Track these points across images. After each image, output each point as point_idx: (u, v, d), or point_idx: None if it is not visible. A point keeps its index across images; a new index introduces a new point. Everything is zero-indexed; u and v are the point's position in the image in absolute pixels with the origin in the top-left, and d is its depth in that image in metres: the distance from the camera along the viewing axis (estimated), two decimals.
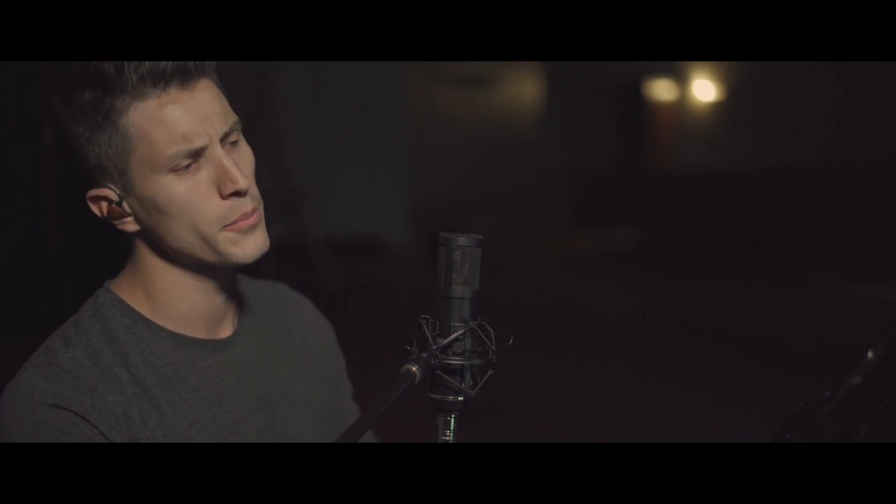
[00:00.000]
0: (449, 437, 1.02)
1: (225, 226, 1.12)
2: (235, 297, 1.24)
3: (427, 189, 10.56)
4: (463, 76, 11.13)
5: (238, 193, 1.11)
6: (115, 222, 1.15)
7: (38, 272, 6.23)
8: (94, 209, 1.16)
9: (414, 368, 0.98)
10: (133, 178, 1.11)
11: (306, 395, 1.31)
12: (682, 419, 5.00)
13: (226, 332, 1.23)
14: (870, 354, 1.07)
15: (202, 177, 1.11)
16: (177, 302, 1.17)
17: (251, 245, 1.14)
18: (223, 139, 1.12)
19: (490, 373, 1.02)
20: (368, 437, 1.36)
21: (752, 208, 10.73)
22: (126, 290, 1.18)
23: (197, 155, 1.10)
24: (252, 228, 1.13)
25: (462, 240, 1.02)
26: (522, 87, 12.79)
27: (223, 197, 1.11)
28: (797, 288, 9.34)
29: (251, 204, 1.13)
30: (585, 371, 6.09)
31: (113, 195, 1.13)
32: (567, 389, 5.65)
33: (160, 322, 1.17)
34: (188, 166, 1.10)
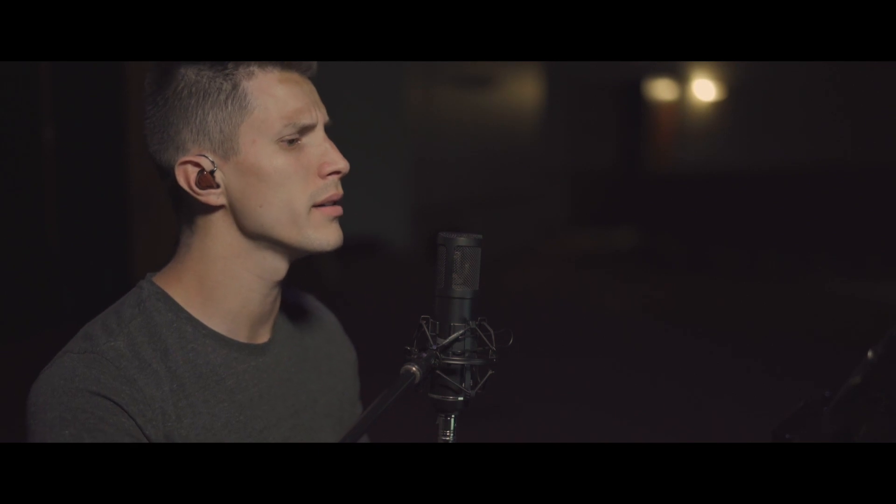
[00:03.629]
0: (449, 437, 1.02)
1: (315, 204, 1.15)
2: (279, 300, 1.24)
3: (427, 189, 10.57)
4: (463, 76, 11.13)
5: (337, 173, 1.16)
6: (200, 193, 1.14)
7: (38, 272, 6.23)
8: (181, 178, 1.14)
9: (414, 368, 0.98)
10: (240, 144, 1.13)
11: (329, 408, 1.32)
12: (682, 419, 5.00)
13: (264, 337, 1.23)
14: (870, 354, 1.07)
15: (304, 154, 1.15)
16: (229, 295, 1.17)
17: (333, 234, 1.17)
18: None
19: (490, 373, 1.02)
20: (363, 439, 1.37)
21: (751, 208, 10.73)
22: (173, 283, 1.18)
23: (304, 132, 1.15)
24: (337, 219, 1.17)
25: (462, 240, 1.02)
26: (522, 87, 12.79)
27: (322, 176, 1.15)
28: (797, 288, 9.35)
29: (342, 191, 1.17)
30: (585, 371, 6.09)
31: (206, 163, 1.13)
32: (567, 389, 5.65)
33: (205, 319, 1.17)
34: (293, 141, 1.14)
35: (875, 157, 11.28)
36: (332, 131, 1.19)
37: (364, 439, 1.36)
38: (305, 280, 1.40)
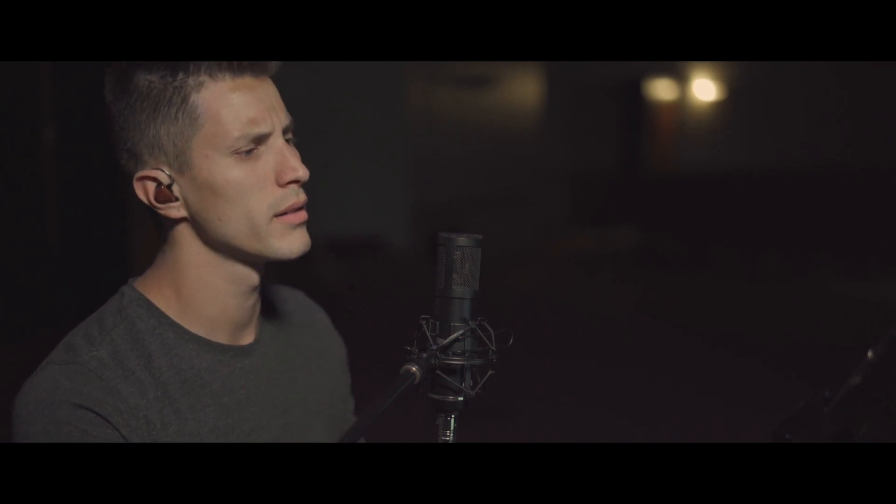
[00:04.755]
0: (449, 437, 1.02)
1: (276, 214, 1.12)
2: (259, 304, 1.23)
3: (427, 189, 10.56)
4: (463, 76, 11.13)
5: (296, 182, 1.12)
6: (160, 207, 1.12)
7: (38, 272, 6.23)
8: (140, 192, 1.13)
9: (414, 368, 0.98)
10: (193, 158, 1.10)
11: (319, 405, 1.31)
12: (682, 419, 5.00)
13: (248, 338, 1.22)
14: (870, 354, 1.07)
15: (261, 164, 1.11)
16: (207, 303, 1.16)
17: (297, 241, 1.14)
18: (283, 132, 1.14)
19: (490, 373, 1.02)
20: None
21: (751, 208, 10.74)
22: (154, 289, 1.17)
23: (260, 141, 1.11)
24: (300, 225, 1.14)
25: (462, 240, 1.02)
26: (522, 87, 12.79)
27: (280, 185, 1.12)
28: (797, 288, 9.35)
29: (304, 196, 1.14)
30: (585, 371, 6.09)
31: (163, 177, 1.11)
32: (567, 389, 5.65)
33: (186, 324, 1.16)
34: (249, 152, 1.10)
35: (875, 157, 11.27)
36: (333, 131, 1.19)
37: (361, 440, 1.36)
38: (305, 280, 1.40)
